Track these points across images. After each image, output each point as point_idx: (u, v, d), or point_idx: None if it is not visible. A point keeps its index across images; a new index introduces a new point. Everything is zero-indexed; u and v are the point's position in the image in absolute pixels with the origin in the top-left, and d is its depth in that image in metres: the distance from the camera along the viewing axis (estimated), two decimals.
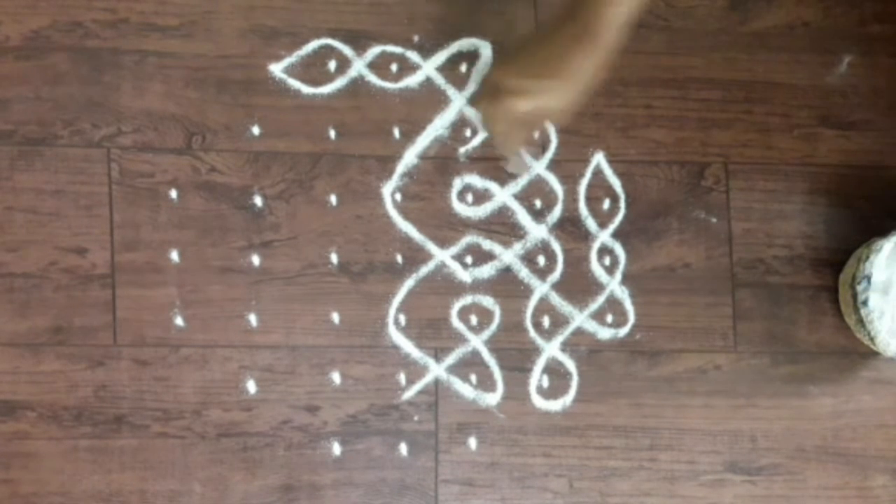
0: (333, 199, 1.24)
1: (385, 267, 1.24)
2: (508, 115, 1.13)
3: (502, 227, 1.26)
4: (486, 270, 1.25)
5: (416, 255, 1.25)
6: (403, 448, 1.22)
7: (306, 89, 1.25)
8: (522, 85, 1.11)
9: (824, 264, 1.30)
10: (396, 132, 1.26)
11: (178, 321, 1.21)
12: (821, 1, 1.33)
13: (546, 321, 1.25)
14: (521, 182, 1.27)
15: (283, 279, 1.22)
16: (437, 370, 1.23)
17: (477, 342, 1.24)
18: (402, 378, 1.23)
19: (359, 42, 1.26)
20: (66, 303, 1.20)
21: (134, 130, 1.22)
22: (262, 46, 1.25)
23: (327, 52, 1.26)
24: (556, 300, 1.26)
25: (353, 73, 1.26)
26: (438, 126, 1.27)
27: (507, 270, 1.26)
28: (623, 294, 1.27)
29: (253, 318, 1.22)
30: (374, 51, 1.27)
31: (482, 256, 1.26)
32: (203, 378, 1.20)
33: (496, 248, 1.26)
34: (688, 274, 1.28)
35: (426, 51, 1.27)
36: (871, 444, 1.28)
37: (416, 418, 1.23)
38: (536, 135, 1.23)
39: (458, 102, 1.27)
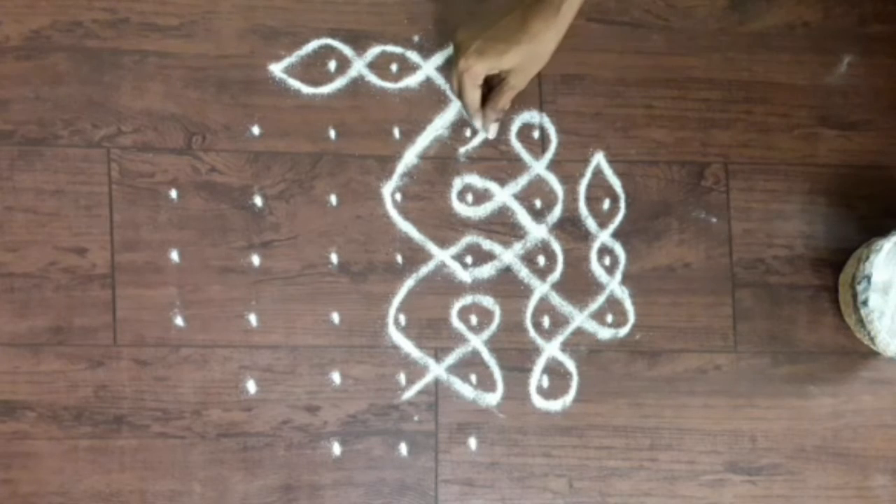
0: (333, 199, 1.24)
1: (385, 267, 1.24)
2: (470, 75, 1.19)
3: (502, 227, 1.26)
4: (486, 270, 1.25)
5: (416, 255, 1.25)
6: (403, 448, 1.22)
7: (306, 89, 1.25)
8: (482, 46, 1.17)
9: (824, 264, 1.30)
10: (396, 132, 1.26)
11: (178, 321, 1.21)
12: (821, 1, 1.33)
13: (546, 321, 1.25)
14: (522, 182, 1.27)
15: (283, 279, 1.22)
16: (437, 370, 1.23)
17: (477, 342, 1.24)
18: (402, 378, 1.23)
19: (359, 42, 1.26)
20: (66, 303, 1.19)
21: (134, 130, 1.22)
22: (262, 46, 1.25)
23: (327, 52, 1.26)
24: (556, 300, 1.26)
25: (353, 73, 1.26)
26: (438, 126, 1.27)
27: (507, 270, 1.26)
28: (623, 294, 1.27)
29: (253, 318, 1.22)
30: (374, 51, 1.27)
31: (482, 256, 1.26)
32: (203, 378, 1.20)
33: (496, 248, 1.26)
34: (688, 274, 1.28)
35: (426, 51, 1.27)
36: (871, 444, 1.28)
37: (416, 418, 1.23)
38: (503, 102, 1.23)
39: (457, 102, 1.27)
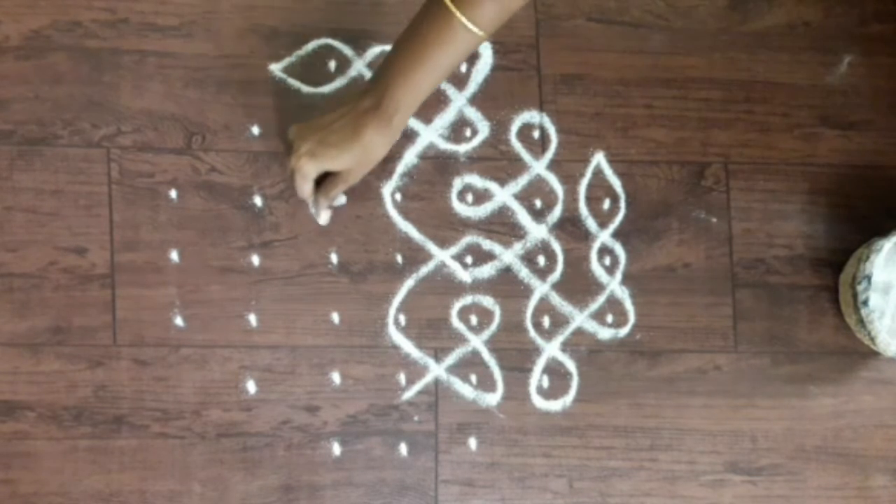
0: None
1: (385, 267, 1.24)
2: (301, 174, 1.16)
3: (502, 227, 1.26)
4: (486, 270, 1.25)
5: (416, 255, 1.25)
6: (403, 448, 1.22)
7: (306, 89, 1.25)
8: (314, 149, 1.14)
9: (824, 264, 1.30)
10: None
11: (178, 321, 1.21)
12: (821, 1, 1.33)
13: (546, 321, 1.25)
14: (522, 182, 1.27)
15: (283, 279, 1.22)
16: (437, 370, 1.23)
17: (477, 342, 1.24)
18: (402, 378, 1.23)
19: (359, 42, 1.26)
20: (65, 303, 1.19)
21: (134, 130, 1.22)
22: (262, 46, 1.25)
23: (327, 52, 1.26)
24: (556, 300, 1.26)
25: (353, 73, 1.26)
26: (438, 126, 1.27)
27: (507, 270, 1.26)
28: (623, 294, 1.27)
29: (253, 318, 1.22)
30: (374, 51, 1.27)
31: (482, 256, 1.26)
32: (203, 378, 1.20)
33: (496, 248, 1.26)
34: (688, 274, 1.28)
35: None
36: (871, 444, 1.28)
37: (416, 418, 1.23)
38: (334, 193, 1.19)
39: (458, 102, 1.27)
